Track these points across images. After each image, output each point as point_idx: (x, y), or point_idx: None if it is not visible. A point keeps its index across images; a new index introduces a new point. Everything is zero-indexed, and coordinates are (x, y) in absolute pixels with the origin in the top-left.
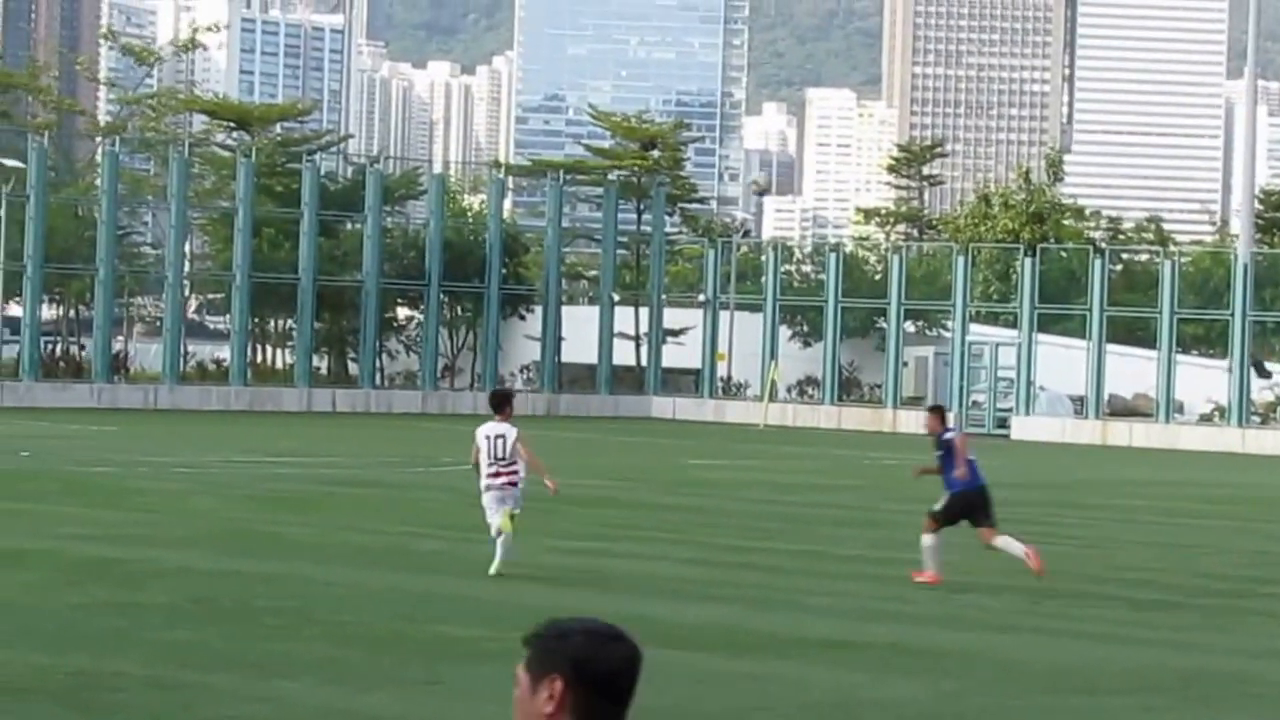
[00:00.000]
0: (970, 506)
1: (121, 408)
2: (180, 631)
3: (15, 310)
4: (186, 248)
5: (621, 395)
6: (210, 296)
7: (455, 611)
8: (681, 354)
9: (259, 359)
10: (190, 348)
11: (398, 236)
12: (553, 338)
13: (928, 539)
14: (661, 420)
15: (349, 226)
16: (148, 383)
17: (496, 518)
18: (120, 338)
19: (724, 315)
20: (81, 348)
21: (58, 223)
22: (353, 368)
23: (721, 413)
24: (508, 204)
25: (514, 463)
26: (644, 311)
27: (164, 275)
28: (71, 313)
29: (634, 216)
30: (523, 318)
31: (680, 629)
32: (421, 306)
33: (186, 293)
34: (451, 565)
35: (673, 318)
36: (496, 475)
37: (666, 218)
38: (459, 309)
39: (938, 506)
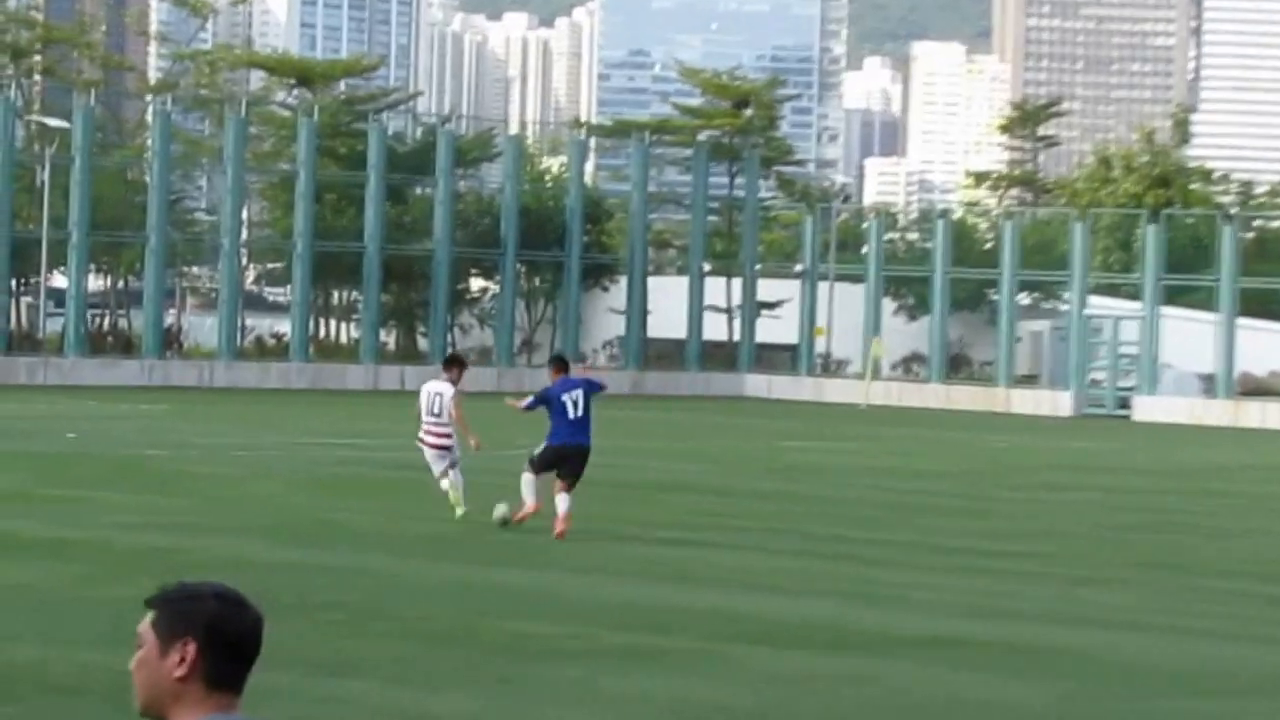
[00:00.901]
0: None
1: (173, 386)
2: None
3: (60, 281)
4: (244, 214)
5: (712, 373)
6: (269, 267)
7: (531, 607)
8: (777, 328)
9: (321, 334)
10: (248, 321)
11: (470, 202)
12: (638, 311)
13: None
14: (755, 400)
15: (418, 191)
16: (202, 359)
17: (445, 481)
18: (172, 311)
19: (823, 287)
20: (131, 322)
21: (105, 188)
22: (422, 343)
23: (820, 392)
24: (589, 167)
25: (447, 424)
26: (736, 283)
27: (219, 244)
28: (120, 284)
29: (725, 180)
30: (605, 289)
31: (775, 626)
32: (496, 277)
33: (244, 262)
34: (527, 557)
35: (767, 289)
36: (428, 433)
37: (760, 181)
38: (537, 280)
39: None
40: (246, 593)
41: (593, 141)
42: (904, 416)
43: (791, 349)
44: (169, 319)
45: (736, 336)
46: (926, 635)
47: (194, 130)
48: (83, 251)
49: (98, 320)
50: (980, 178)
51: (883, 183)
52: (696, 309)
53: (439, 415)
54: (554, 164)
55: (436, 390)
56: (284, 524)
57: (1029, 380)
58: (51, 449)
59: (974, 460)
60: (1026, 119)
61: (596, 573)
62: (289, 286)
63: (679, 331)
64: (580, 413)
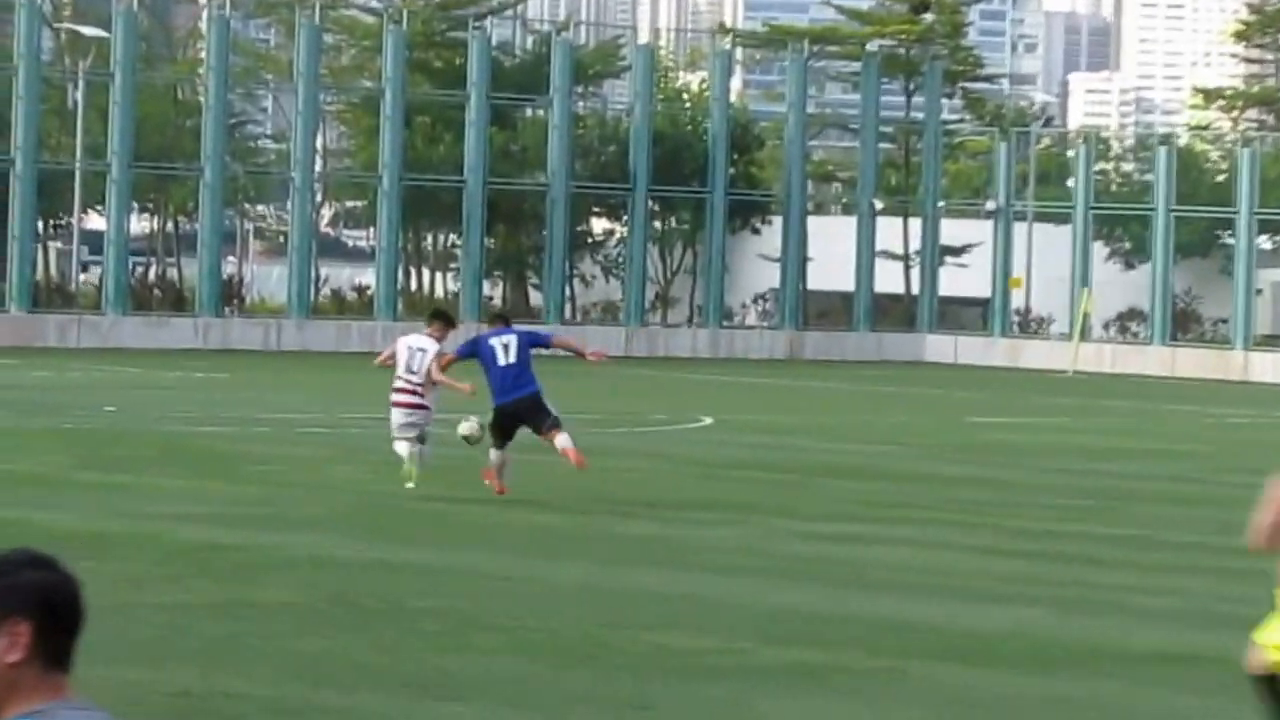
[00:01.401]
0: None
1: (234, 349)
2: (311, 639)
3: (96, 223)
4: (317, 142)
5: (885, 333)
6: (348, 205)
7: (671, 615)
8: (964, 279)
9: (412, 286)
10: (323, 271)
11: (592, 127)
12: (795, 259)
13: None
14: (938, 365)
15: (529, 114)
16: (268, 316)
17: (403, 445)
18: (232, 259)
19: (1019, 228)
20: (182, 272)
21: (151, 109)
22: (535, 298)
23: (1016, 355)
24: (736, 84)
25: (422, 386)
26: (914, 224)
27: (288, 178)
28: (169, 227)
29: (901, 100)
30: (757, 232)
31: (968, 639)
32: (624, 218)
33: (318, 200)
34: (665, 554)
35: (952, 232)
36: (402, 392)
37: (943, 101)
38: (672, 221)
39: None
40: (295, 592)
41: (739, 53)
42: (1119, 385)
43: (982, 304)
44: (228, 269)
45: (915, 289)
46: (1150, 650)
47: (258, 41)
48: (124, 187)
49: (142, 270)
50: (1210, 96)
51: (1092, 102)
52: (866, 256)
53: (415, 373)
54: (693, 81)
55: (419, 346)
56: (368, 515)
57: (1271, 342)
58: (87, 425)
59: (1205, 439)
60: (1267, 25)
61: (749, 574)
62: (372, 230)
63: (845, 283)
64: (513, 358)
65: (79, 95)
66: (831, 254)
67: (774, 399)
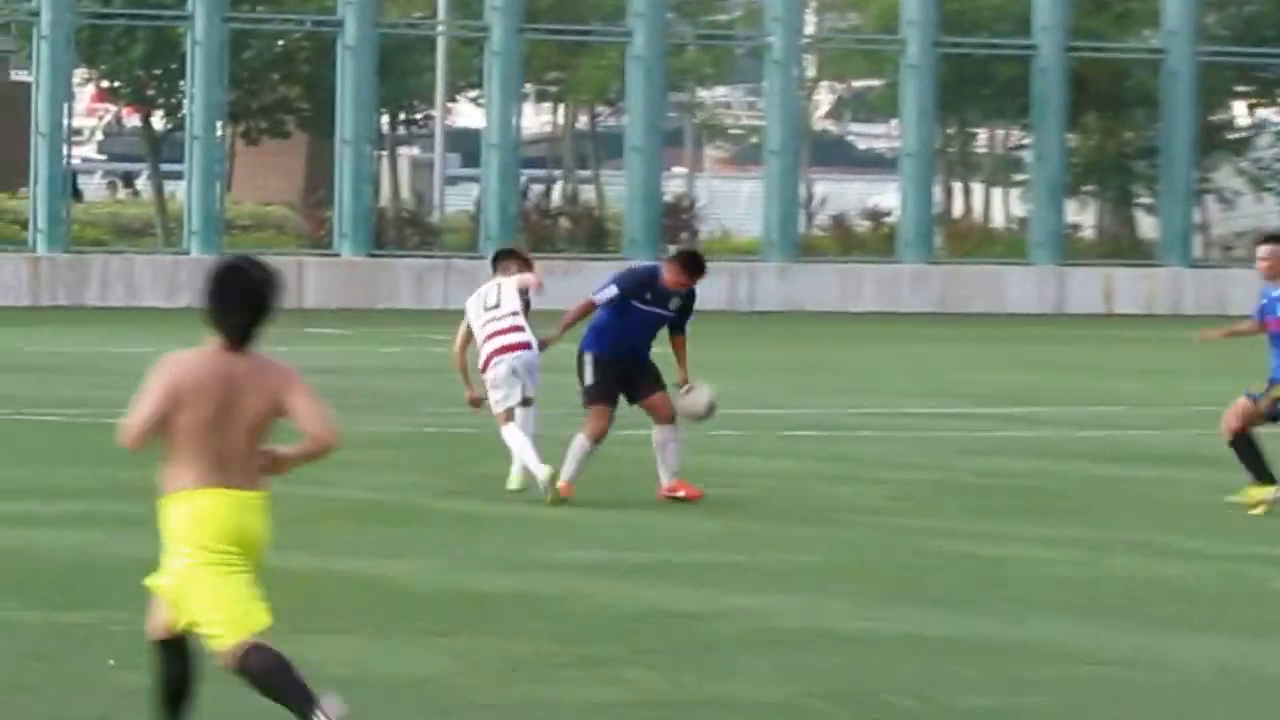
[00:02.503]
0: None
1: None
2: None
3: (469, 117)
4: None
5: None
6: (856, 87)
7: None
8: None
9: (955, 209)
10: (818, 189)
11: None
12: None
13: None
14: None
15: None
16: (734, 258)
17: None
18: (679, 171)
19: None
20: (601, 192)
21: None
22: (1146, 225)
23: None
24: None
25: (517, 314)
26: None
27: (763, 44)
28: (579, 123)
29: None
30: None
31: None
32: None
33: (808, 79)
34: None
35: None
36: (498, 335)
37: None
38: None
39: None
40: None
41: None
42: None
43: None
44: (671, 187)
45: None
46: None
47: None
48: (511, 62)
49: (540, 190)
50: None
51: None
52: None
53: (496, 305)
54: None
55: (489, 288)
56: (884, 558)
57: None
58: (454, 428)
59: None
60: None
61: None
62: (893, 123)
63: None
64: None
65: None
66: None
67: None
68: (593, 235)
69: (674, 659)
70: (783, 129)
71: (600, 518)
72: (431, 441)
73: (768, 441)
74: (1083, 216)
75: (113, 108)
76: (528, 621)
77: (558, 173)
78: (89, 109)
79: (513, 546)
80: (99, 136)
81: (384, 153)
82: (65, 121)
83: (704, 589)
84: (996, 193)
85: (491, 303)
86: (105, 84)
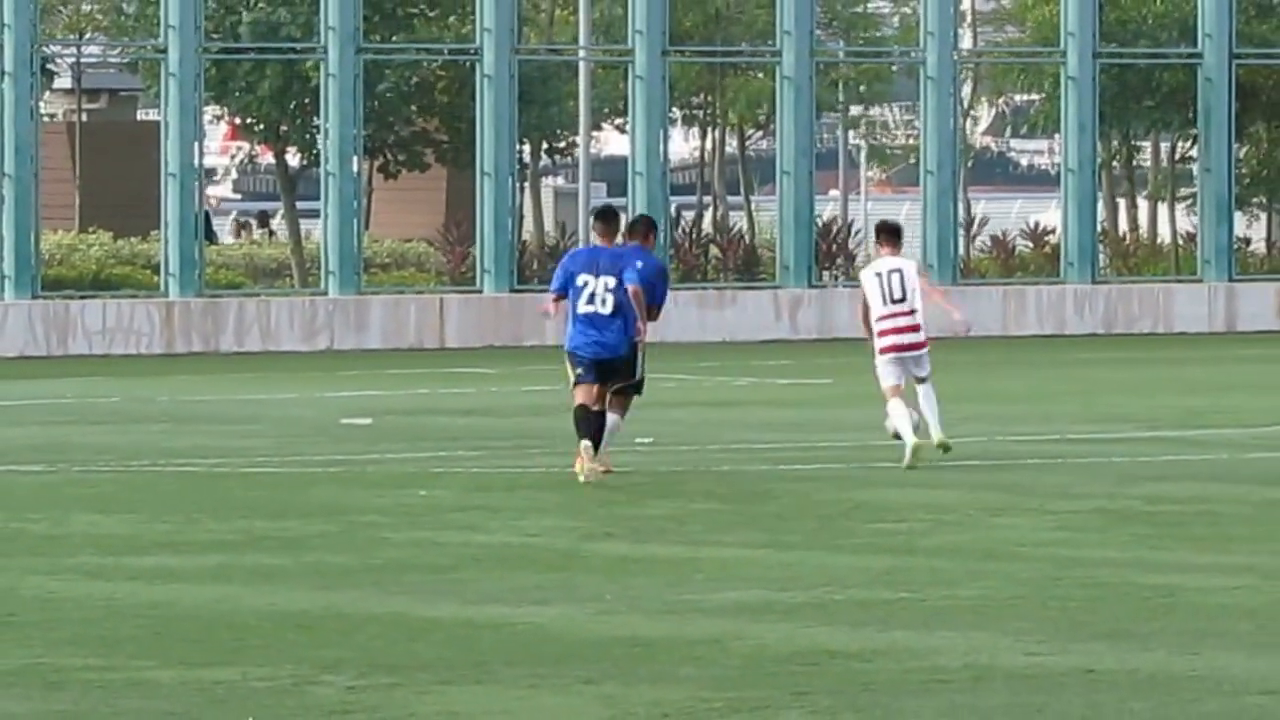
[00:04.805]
0: None
1: (835, 337)
2: None
3: (614, 144)
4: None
5: None
6: (1017, 102)
7: None
8: None
9: (1121, 224)
10: (977, 208)
11: None
12: None
13: None
14: None
15: None
16: None
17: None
18: (834, 194)
19: None
20: (753, 219)
21: None
22: None
23: None
24: None
25: (915, 311)
26: None
27: (917, 60)
28: (729, 146)
29: None
30: None
31: None
32: None
33: (965, 95)
34: None
35: None
36: (892, 330)
37: None
38: None
39: None
40: None
41: None
42: None
43: None
44: (826, 210)
45: None
46: None
47: None
48: (655, 84)
49: (691, 217)
50: None
51: None
52: None
53: (901, 299)
54: None
55: (891, 268)
56: (1047, 591)
57: None
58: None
59: None
60: None
61: None
62: (1055, 139)
63: None
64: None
65: None
66: None
67: None
68: (744, 263)
69: (833, 701)
70: (938, 147)
71: (756, 557)
72: (577, 483)
73: (928, 472)
74: (1252, 230)
75: (245, 145)
76: (681, 666)
77: (707, 199)
78: (222, 147)
79: (665, 589)
80: (234, 175)
81: (526, 184)
82: (196, 161)
83: (864, 628)
84: (1162, 208)
85: (898, 294)
86: (238, 121)
